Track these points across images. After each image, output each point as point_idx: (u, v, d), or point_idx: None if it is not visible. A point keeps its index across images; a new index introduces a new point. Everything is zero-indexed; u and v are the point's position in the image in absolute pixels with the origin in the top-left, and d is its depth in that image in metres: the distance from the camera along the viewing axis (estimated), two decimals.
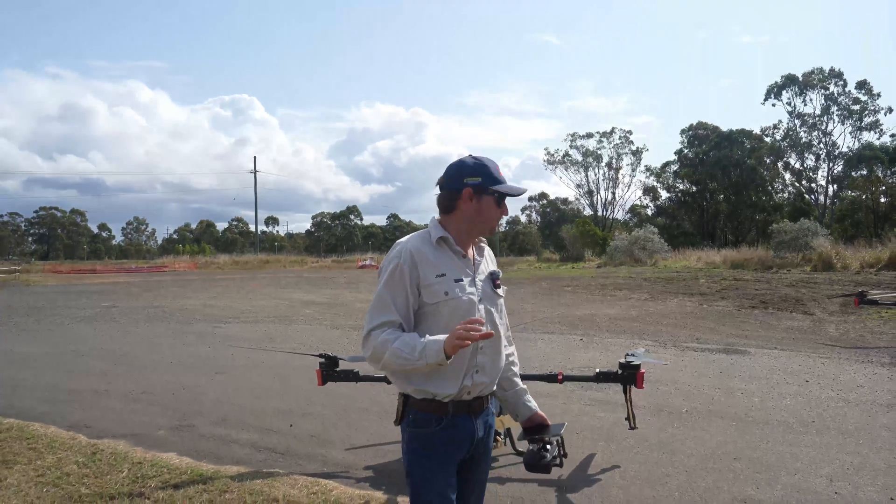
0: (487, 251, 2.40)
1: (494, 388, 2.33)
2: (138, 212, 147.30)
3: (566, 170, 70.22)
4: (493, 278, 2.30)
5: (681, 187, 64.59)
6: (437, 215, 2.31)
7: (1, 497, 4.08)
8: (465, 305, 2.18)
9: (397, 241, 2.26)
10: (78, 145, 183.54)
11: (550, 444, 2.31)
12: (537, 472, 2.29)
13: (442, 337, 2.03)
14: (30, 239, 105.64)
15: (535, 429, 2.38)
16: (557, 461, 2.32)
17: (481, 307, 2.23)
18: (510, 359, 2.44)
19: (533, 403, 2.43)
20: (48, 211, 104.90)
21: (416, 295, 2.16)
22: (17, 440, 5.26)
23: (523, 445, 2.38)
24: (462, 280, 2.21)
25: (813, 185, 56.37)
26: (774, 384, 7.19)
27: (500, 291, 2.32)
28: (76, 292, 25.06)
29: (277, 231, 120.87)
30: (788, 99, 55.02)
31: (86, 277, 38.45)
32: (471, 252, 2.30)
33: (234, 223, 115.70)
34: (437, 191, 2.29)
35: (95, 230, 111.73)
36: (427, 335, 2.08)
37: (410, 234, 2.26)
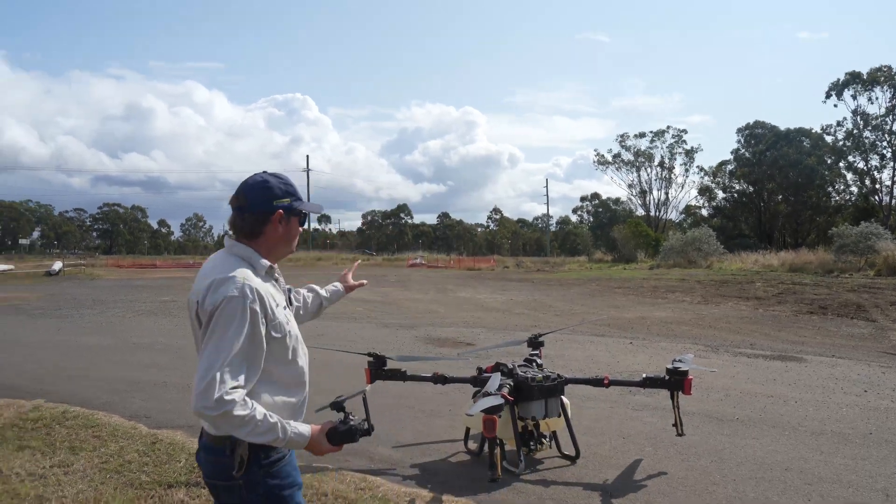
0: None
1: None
2: (197, 208, 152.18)
3: (617, 170, 69.13)
4: (286, 293, 2.29)
5: (737, 187, 62.79)
6: (234, 240, 2.12)
7: (69, 481, 4.32)
8: (295, 330, 2.16)
9: (227, 278, 1.96)
10: (141, 144, 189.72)
11: (351, 414, 2.13)
12: (344, 441, 2.07)
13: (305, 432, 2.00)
14: (94, 234, 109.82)
15: (335, 404, 2.17)
16: (365, 426, 2.11)
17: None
18: (303, 291, 2.59)
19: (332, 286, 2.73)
20: (111, 207, 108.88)
21: (266, 333, 2.02)
22: (83, 428, 5.55)
23: (329, 416, 2.17)
24: (286, 307, 2.17)
25: (877, 185, 54.08)
26: (830, 393, 6.99)
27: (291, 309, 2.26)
28: (137, 286, 25.99)
29: (330, 229, 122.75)
30: (852, 97, 52.83)
31: (146, 272, 39.80)
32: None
33: None
34: (233, 213, 2.14)
35: (155, 226, 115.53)
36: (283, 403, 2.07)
37: (235, 269, 2.00)
